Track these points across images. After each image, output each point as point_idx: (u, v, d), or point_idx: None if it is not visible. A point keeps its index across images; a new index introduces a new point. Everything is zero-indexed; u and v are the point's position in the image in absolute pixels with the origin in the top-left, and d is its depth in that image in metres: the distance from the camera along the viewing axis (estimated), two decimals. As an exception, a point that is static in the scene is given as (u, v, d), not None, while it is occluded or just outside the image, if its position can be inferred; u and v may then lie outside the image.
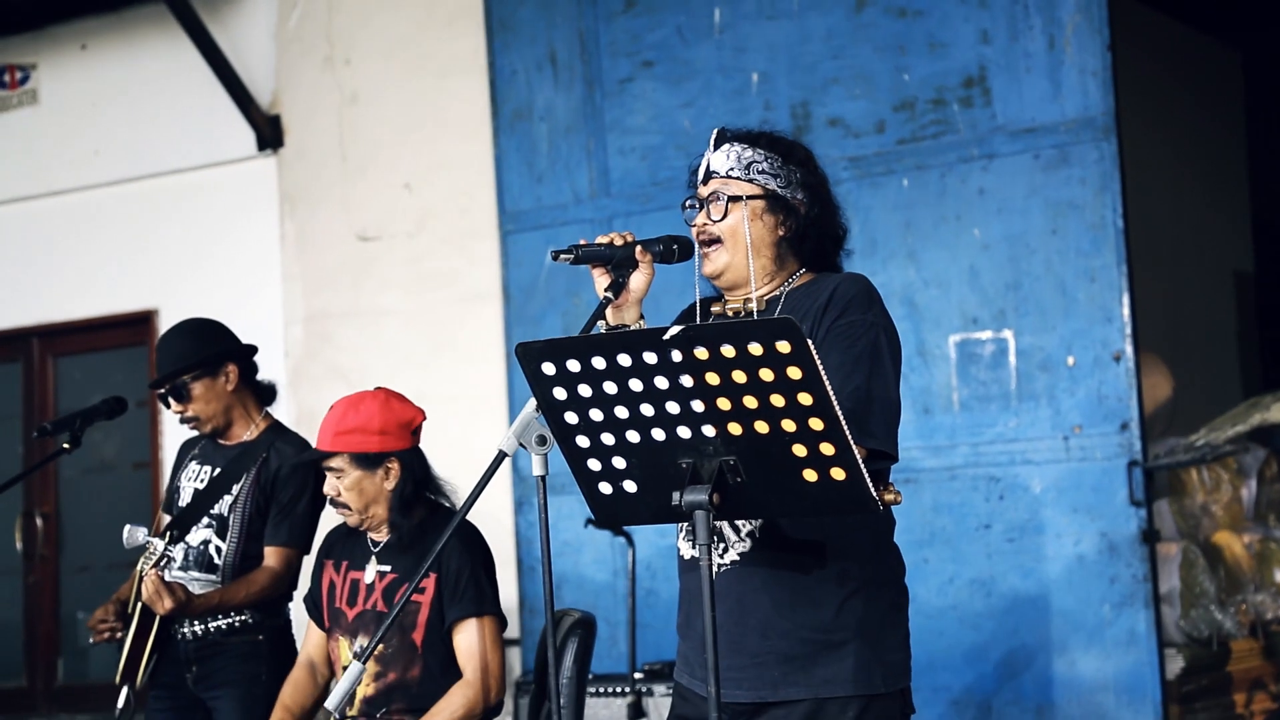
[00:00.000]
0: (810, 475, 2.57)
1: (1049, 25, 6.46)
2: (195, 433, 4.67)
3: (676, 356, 2.53)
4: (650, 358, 2.55)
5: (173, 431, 8.52)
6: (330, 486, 4.00)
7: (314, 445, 4.09)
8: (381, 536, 4.04)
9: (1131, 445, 6.25)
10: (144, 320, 8.89)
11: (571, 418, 2.68)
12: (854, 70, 6.87)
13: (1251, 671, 6.68)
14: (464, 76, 8.00)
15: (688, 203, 3.14)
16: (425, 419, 4.07)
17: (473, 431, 7.59)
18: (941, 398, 6.60)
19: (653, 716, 5.63)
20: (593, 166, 7.54)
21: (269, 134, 8.48)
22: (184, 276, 8.73)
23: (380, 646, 3.90)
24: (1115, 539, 6.26)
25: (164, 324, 8.62)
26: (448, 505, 4.09)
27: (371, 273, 8.20)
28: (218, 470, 4.53)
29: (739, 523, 2.99)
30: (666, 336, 2.52)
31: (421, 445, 4.12)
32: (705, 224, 3.09)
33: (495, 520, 7.33)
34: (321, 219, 8.37)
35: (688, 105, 7.29)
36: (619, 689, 5.62)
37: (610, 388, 2.61)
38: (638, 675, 5.73)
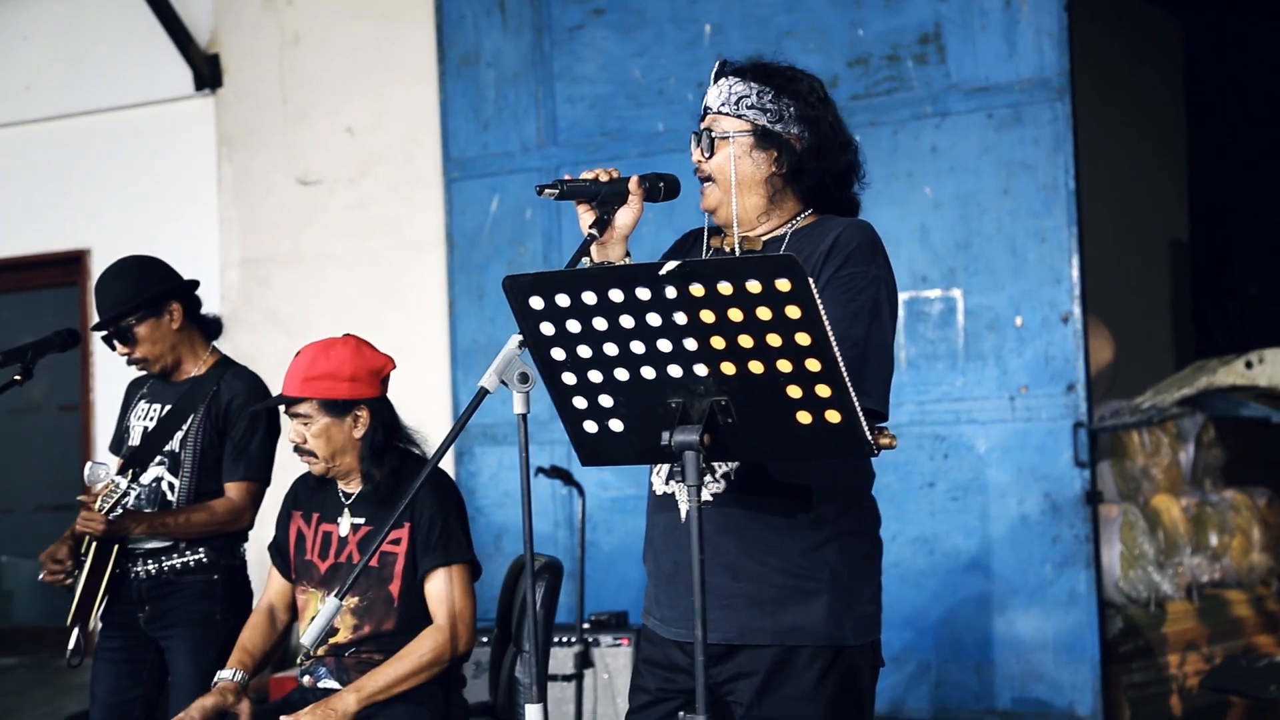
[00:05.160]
0: (804, 417, 2.52)
1: (1006, -16, 6.44)
2: (142, 373, 4.55)
3: (671, 293, 2.47)
4: (643, 293, 2.49)
5: (104, 375, 8.38)
6: (296, 433, 3.90)
7: (279, 391, 3.99)
8: (353, 488, 3.96)
9: (1077, 407, 6.28)
10: (76, 260, 8.70)
11: (558, 354, 2.62)
12: (809, 24, 6.82)
13: (1186, 633, 6.74)
14: (410, 20, 7.86)
15: (692, 136, 3.08)
16: (395, 367, 3.99)
17: (416, 381, 7.49)
18: (889, 356, 6.58)
19: (599, 666, 5.59)
20: (541, 114, 7.45)
21: (207, 73, 8.31)
22: (118, 217, 8.54)
23: (356, 599, 3.83)
24: (1058, 499, 6.29)
25: (96, 264, 8.45)
26: (418, 453, 4.01)
27: (312, 218, 8.07)
28: (167, 408, 4.42)
29: (715, 463, 2.93)
30: (662, 272, 2.45)
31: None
32: (699, 161, 3.03)
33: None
34: (261, 162, 8.22)
35: (639, 55, 7.22)
36: (567, 639, 5.57)
37: (600, 324, 2.55)
38: (585, 625, 5.69)
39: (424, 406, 7.45)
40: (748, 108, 3.00)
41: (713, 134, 3.01)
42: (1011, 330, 6.41)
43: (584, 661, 5.54)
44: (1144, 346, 9.21)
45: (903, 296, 6.52)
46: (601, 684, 5.58)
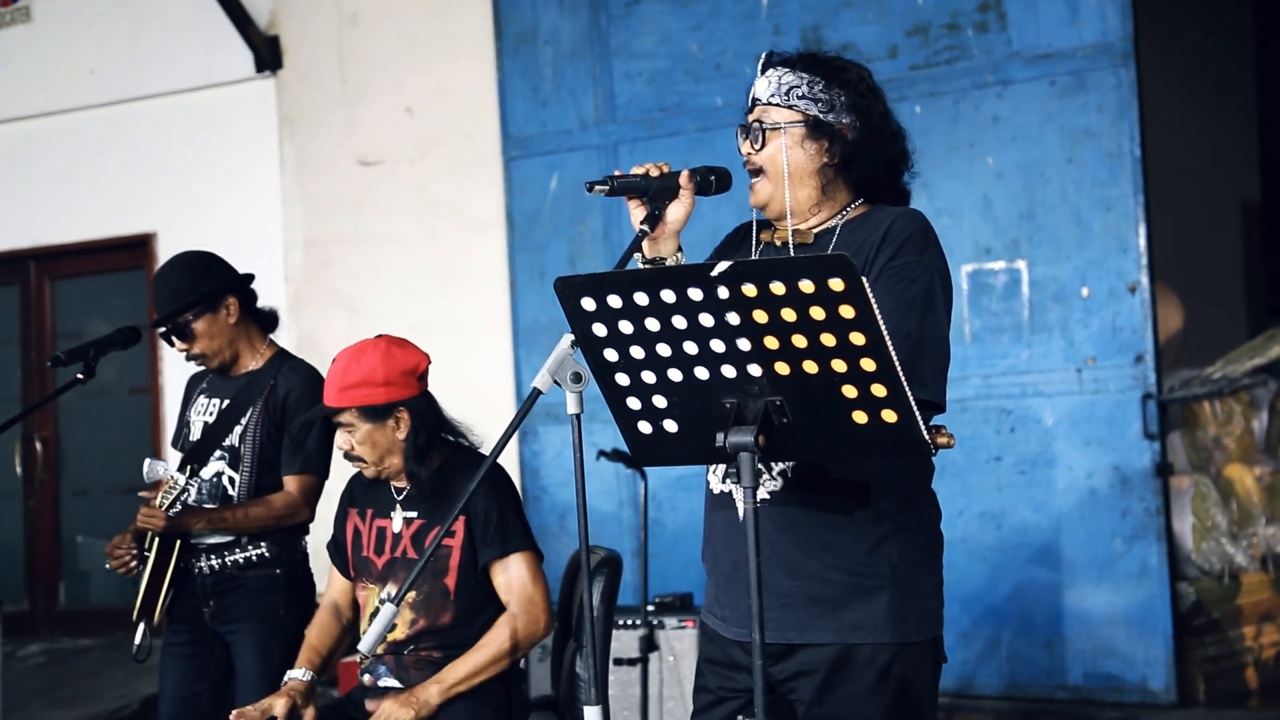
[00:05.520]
0: (860, 417, 2.49)
1: (1068, -52, 6.34)
2: (201, 368, 4.58)
3: (723, 293, 2.44)
4: (695, 294, 2.46)
5: (173, 358, 8.43)
6: (343, 441, 3.92)
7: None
8: (404, 484, 3.97)
9: (1146, 378, 6.20)
10: (142, 244, 8.77)
11: (611, 355, 2.59)
12: (867, -7, 6.75)
13: (1261, 605, 6.66)
14: (467, -2, 7.86)
15: (739, 130, 3.04)
16: (430, 363, 3.98)
17: (477, 361, 7.52)
18: (953, 329, 6.48)
19: (664, 649, 5.58)
20: (598, 91, 7.42)
21: (267, 55, 8.34)
22: (182, 200, 8.61)
23: (412, 593, 3.84)
24: (1128, 472, 6.21)
25: (162, 248, 8.52)
26: (467, 444, 4.01)
27: (373, 198, 8.08)
28: (226, 402, 4.44)
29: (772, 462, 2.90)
30: (714, 272, 2.43)
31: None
32: (749, 154, 3.00)
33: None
34: (321, 143, 8.24)
35: (696, 29, 7.16)
36: (631, 621, 5.56)
37: (652, 324, 2.52)
38: (650, 608, 5.68)
39: (487, 385, 7.47)
40: (798, 98, 2.95)
41: (763, 125, 2.97)
42: (1078, 301, 6.33)
43: (649, 645, 5.52)
44: (1215, 311, 9.06)
45: (966, 269, 6.47)
46: (667, 667, 5.57)
